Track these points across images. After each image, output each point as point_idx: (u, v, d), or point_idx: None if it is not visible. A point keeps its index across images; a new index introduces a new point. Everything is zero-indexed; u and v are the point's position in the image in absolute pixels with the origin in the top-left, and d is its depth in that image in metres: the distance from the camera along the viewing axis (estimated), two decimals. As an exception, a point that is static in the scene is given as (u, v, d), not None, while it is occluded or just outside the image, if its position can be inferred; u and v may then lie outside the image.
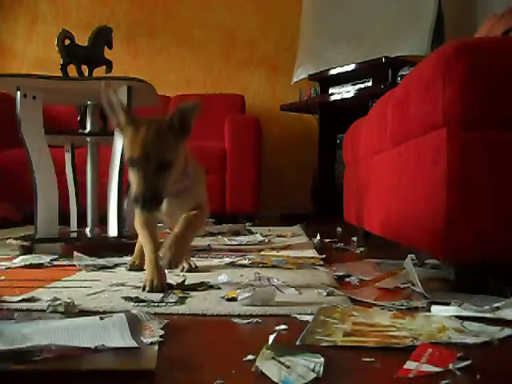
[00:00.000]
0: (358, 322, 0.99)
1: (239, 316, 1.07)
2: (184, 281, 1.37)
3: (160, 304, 1.16)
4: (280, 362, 0.75)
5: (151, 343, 0.85)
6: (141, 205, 1.20)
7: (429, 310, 1.09)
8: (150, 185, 1.21)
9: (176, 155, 1.29)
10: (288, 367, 0.73)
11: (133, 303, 1.17)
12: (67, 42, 2.30)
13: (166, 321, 0.98)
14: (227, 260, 1.82)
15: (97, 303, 1.16)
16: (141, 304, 1.16)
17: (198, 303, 1.17)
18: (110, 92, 1.31)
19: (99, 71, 2.37)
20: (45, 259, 1.79)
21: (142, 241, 1.46)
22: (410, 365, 0.77)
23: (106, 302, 1.16)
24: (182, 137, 1.31)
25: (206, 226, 2.97)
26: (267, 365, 0.75)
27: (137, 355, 0.79)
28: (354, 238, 2.48)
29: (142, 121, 1.28)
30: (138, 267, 1.62)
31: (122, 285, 1.37)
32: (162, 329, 0.93)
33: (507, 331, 0.93)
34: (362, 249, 2.15)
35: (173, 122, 1.29)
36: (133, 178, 1.25)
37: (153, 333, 0.90)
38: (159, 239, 1.51)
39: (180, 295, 1.25)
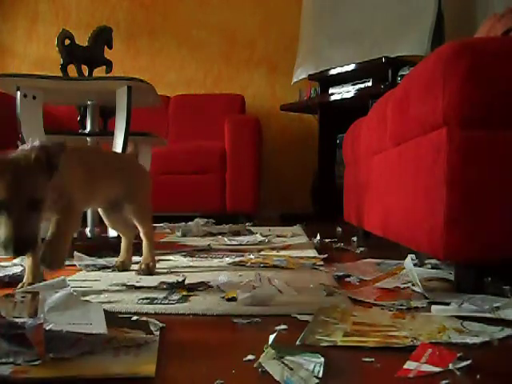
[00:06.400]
0: (358, 322, 0.99)
1: (239, 316, 1.06)
2: (184, 280, 1.38)
3: (163, 301, 1.17)
4: (283, 362, 0.75)
5: (146, 342, 0.86)
6: (13, 250, 1.05)
7: (429, 310, 1.09)
8: (22, 228, 1.07)
9: (46, 192, 1.16)
10: (291, 369, 0.73)
11: (136, 300, 1.18)
12: (67, 42, 2.30)
13: (161, 324, 0.97)
14: (227, 260, 1.82)
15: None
16: (144, 301, 1.17)
17: (198, 303, 1.17)
18: None
19: (99, 71, 2.37)
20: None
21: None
22: (410, 365, 0.77)
23: (106, 302, 1.16)
24: (49, 175, 1.16)
25: (206, 226, 2.97)
26: (271, 364, 0.75)
27: (136, 360, 0.79)
28: (354, 238, 2.47)
29: (2, 159, 1.11)
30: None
31: (122, 285, 1.37)
32: (156, 331, 0.93)
33: (507, 331, 0.93)
34: (362, 249, 2.15)
35: (40, 159, 1.13)
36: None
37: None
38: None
39: (184, 293, 1.26)
